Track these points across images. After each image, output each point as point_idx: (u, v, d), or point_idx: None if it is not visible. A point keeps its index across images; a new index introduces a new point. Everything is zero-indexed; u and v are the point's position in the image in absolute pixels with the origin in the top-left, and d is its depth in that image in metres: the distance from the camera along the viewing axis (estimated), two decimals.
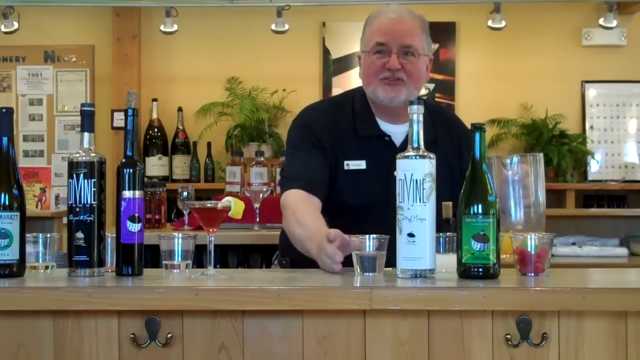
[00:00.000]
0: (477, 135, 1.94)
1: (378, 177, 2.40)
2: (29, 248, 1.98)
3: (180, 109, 5.55)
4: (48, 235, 2.05)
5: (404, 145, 2.40)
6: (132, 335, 1.79)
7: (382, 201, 2.37)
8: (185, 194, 3.70)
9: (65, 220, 2.13)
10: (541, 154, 2.25)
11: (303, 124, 2.52)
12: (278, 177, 4.07)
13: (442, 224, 2.12)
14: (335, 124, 2.47)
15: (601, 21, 5.20)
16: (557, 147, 5.42)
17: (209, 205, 1.99)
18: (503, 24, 5.11)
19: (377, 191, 2.40)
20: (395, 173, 2.36)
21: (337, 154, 2.44)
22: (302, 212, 2.34)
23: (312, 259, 2.35)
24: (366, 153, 2.44)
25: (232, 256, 3.98)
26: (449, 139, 2.51)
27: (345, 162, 2.43)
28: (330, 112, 2.52)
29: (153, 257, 2.66)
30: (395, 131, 2.46)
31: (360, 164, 2.42)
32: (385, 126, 2.47)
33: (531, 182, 2.18)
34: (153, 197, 3.95)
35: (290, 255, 2.49)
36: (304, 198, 2.37)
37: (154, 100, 5.54)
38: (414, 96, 2.43)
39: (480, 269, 1.87)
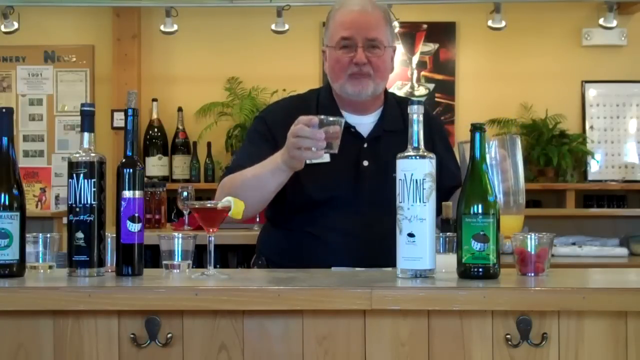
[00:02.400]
0: (477, 135, 1.94)
1: (344, 168, 2.40)
2: (29, 248, 1.98)
3: (180, 109, 5.55)
4: (48, 235, 2.05)
5: (371, 136, 2.44)
6: (132, 335, 1.79)
7: (350, 192, 2.38)
8: (185, 194, 3.71)
9: (65, 220, 2.13)
10: (518, 137, 2.23)
11: (260, 117, 2.55)
12: None
13: (442, 224, 2.12)
14: (295, 117, 2.46)
15: (601, 21, 5.21)
16: (557, 147, 5.42)
17: (209, 205, 1.99)
18: (503, 24, 5.12)
19: (343, 182, 2.39)
20: (364, 163, 2.38)
21: None
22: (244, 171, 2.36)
23: (288, 256, 2.39)
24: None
25: (232, 256, 3.99)
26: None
27: None
28: (291, 106, 2.51)
29: (153, 257, 2.66)
30: (361, 122, 2.47)
31: (324, 157, 2.41)
32: (350, 118, 2.46)
33: (509, 166, 2.17)
34: (153, 197, 3.95)
35: (266, 255, 2.50)
36: None
37: (154, 100, 5.55)
38: (380, 89, 2.47)
39: (480, 269, 1.87)
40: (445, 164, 2.40)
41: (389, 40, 2.45)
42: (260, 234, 2.62)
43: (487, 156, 2.12)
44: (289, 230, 2.45)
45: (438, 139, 2.53)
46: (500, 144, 2.17)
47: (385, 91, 2.55)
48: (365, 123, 2.47)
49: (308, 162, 2.36)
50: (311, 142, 2.13)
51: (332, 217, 2.37)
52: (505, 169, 2.16)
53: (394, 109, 2.48)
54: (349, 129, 2.44)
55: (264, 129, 2.48)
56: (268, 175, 2.29)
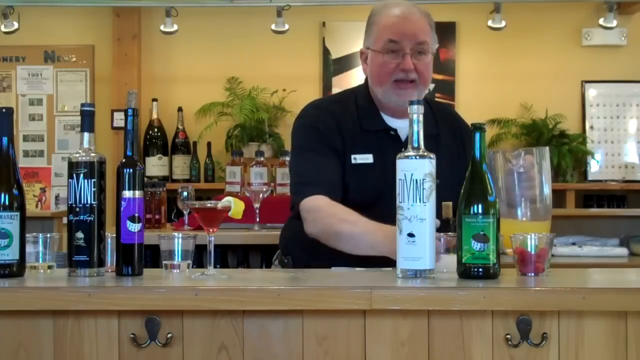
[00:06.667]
0: (477, 135, 1.94)
1: (385, 170, 2.38)
2: (29, 248, 1.98)
3: (180, 109, 5.55)
4: (48, 235, 2.05)
5: None
6: (132, 335, 1.79)
7: (388, 195, 2.35)
8: (185, 194, 3.70)
9: (65, 220, 2.13)
10: (547, 148, 2.23)
11: (309, 124, 2.47)
12: (279, 177, 4.07)
13: (442, 224, 2.11)
14: (340, 119, 2.44)
15: (601, 21, 5.21)
16: (557, 147, 5.42)
17: (209, 205, 1.99)
18: (503, 24, 5.12)
19: (384, 186, 2.37)
20: None
21: (345, 150, 2.41)
22: (343, 211, 2.29)
23: (314, 257, 2.35)
24: (373, 147, 2.42)
25: (232, 256, 3.98)
26: (452, 135, 2.51)
27: (353, 156, 2.40)
28: (333, 108, 2.49)
29: (153, 257, 2.66)
30: (401, 126, 2.44)
31: (368, 158, 2.40)
32: (390, 121, 2.46)
33: (536, 174, 2.17)
34: (153, 197, 3.95)
35: (292, 254, 2.48)
36: (332, 202, 2.32)
37: (154, 100, 5.55)
38: (423, 95, 2.44)
39: (480, 269, 1.87)
40: None
41: (433, 46, 2.42)
42: (288, 233, 2.57)
43: (514, 166, 2.14)
44: None
45: (468, 141, 2.49)
46: (528, 153, 2.18)
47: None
48: (404, 127, 2.43)
49: (353, 162, 2.36)
50: None
51: (368, 217, 2.35)
52: (532, 177, 2.16)
53: (427, 113, 2.46)
54: (389, 132, 2.44)
55: (318, 135, 2.41)
56: (364, 246, 2.23)
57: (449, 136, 2.49)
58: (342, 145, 2.41)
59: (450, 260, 1.97)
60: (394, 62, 2.38)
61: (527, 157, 2.17)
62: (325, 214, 2.32)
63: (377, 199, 2.37)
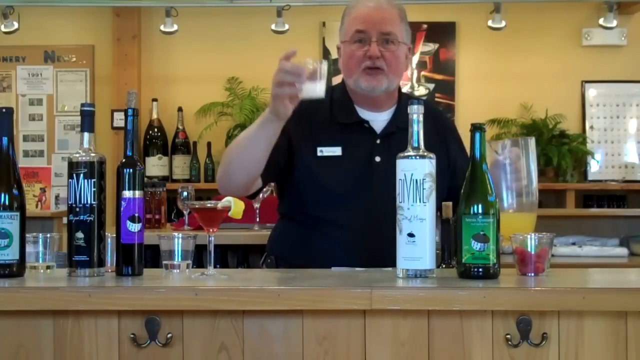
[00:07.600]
0: (477, 135, 1.94)
1: (356, 163, 2.39)
2: (29, 248, 1.98)
3: (180, 109, 5.56)
4: (48, 235, 2.05)
5: (384, 132, 2.43)
6: (132, 335, 1.79)
7: (363, 188, 2.37)
8: (185, 194, 3.71)
9: (65, 220, 2.13)
10: (533, 138, 2.24)
11: None
12: None
13: (442, 224, 2.12)
14: (309, 110, 2.40)
15: (601, 21, 5.21)
16: (557, 147, 5.43)
17: (209, 205, 1.99)
18: (503, 24, 5.12)
19: (356, 177, 2.38)
20: (376, 158, 2.37)
21: (305, 140, 2.41)
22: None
23: (296, 251, 2.39)
24: (342, 140, 2.42)
25: (232, 256, 3.98)
26: (435, 132, 2.51)
27: (319, 149, 2.40)
28: (305, 100, 2.50)
29: (153, 257, 2.66)
30: (375, 119, 2.45)
31: (335, 151, 2.40)
32: (364, 114, 2.46)
33: (523, 166, 2.17)
34: (153, 197, 3.95)
35: (275, 253, 2.49)
36: None
37: (154, 100, 5.55)
38: (394, 85, 2.45)
39: (480, 269, 1.87)
40: (459, 165, 2.38)
41: (403, 37, 2.44)
42: (272, 232, 2.60)
43: (500, 156, 2.14)
44: (299, 224, 2.44)
45: (452, 140, 2.51)
46: (514, 144, 2.18)
47: (399, 90, 2.54)
48: (379, 120, 2.45)
49: (319, 154, 2.36)
50: (291, 75, 2.14)
51: (342, 211, 2.36)
52: (518, 169, 2.17)
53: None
54: (362, 124, 2.45)
55: None
56: (257, 129, 2.28)
57: (431, 133, 2.48)
58: (301, 134, 2.41)
59: (312, 87, 2.11)
60: (361, 50, 2.41)
61: (514, 149, 2.17)
62: (227, 148, 2.42)
63: (350, 192, 2.37)
